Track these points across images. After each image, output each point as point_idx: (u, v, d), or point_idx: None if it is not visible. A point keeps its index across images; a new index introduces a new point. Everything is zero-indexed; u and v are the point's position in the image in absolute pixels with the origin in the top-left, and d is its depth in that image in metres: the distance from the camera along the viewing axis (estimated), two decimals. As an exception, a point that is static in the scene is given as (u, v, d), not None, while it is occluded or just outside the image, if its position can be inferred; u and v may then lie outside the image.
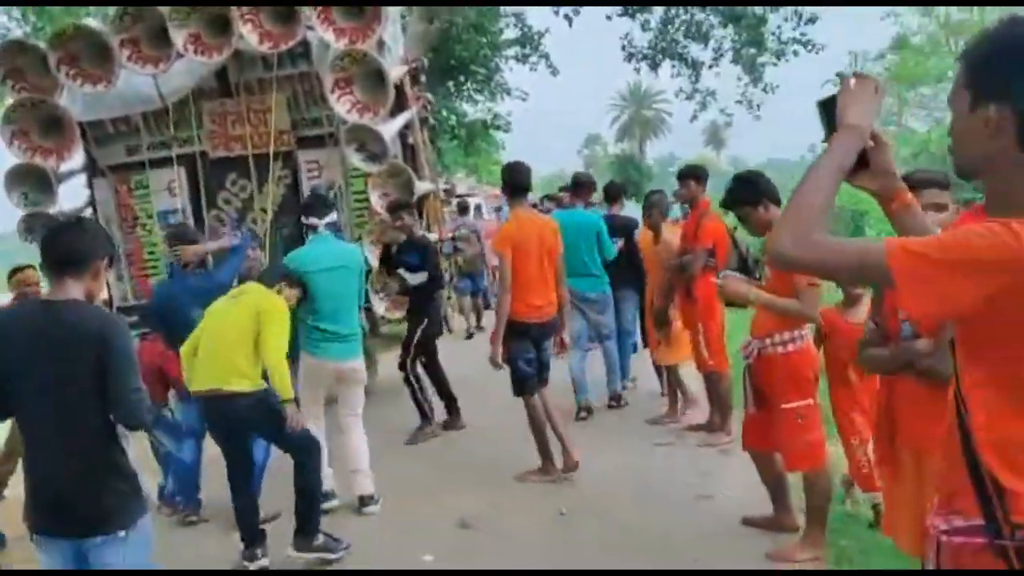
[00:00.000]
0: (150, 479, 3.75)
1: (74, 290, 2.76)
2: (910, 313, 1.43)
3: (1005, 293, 1.37)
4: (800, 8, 16.16)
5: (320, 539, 4.40)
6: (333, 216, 5.39)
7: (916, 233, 1.70)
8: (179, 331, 4.65)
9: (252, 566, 4.35)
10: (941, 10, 24.31)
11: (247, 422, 4.40)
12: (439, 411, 6.81)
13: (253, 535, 4.43)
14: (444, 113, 17.32)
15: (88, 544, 2.76)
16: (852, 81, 1.63)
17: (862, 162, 1.69)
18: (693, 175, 6.20)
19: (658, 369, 7.04)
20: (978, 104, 1.48)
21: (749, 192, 4.06)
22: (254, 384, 4.33)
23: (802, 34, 16.45)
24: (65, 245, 2.80)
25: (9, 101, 7.03)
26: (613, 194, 7.78)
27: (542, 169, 64.49)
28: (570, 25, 16.36)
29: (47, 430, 2.74)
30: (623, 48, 17.63)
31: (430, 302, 6.70)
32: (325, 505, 4.89)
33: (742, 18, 16.38)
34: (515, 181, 5.46)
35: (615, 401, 7.07)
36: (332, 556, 4.39)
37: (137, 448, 3.25)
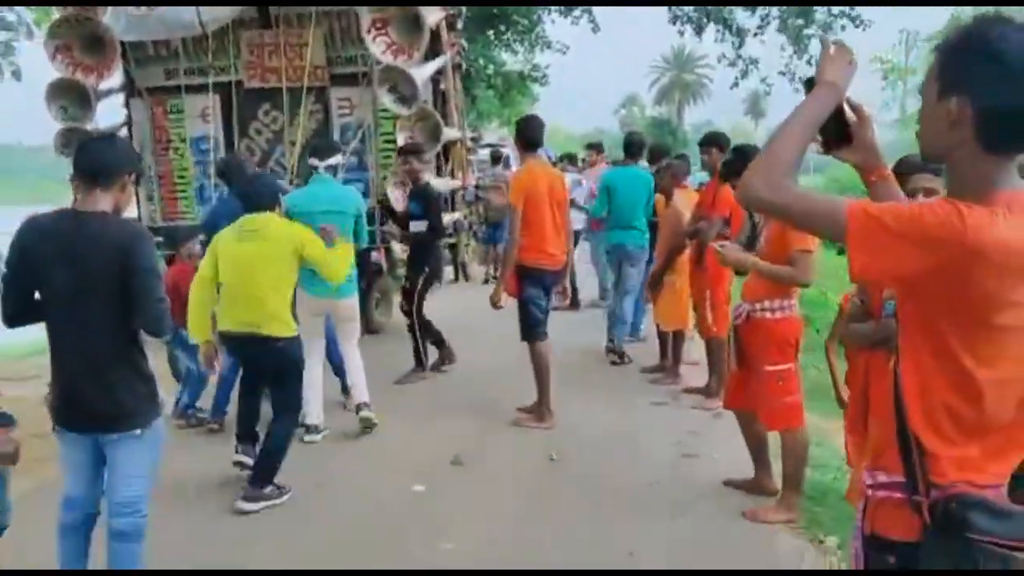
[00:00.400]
0: (166, 392, 3.94)
1: (103, 202, 2.92)
2: (851, 264, 1.55)
3: (944, 268, 1.49)
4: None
5: (268, 488, 4.41)
6: (335, 159, 5.57)
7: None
8: None
9: (235, 458, 4.64)
10: (999, -8, 23.63)
11: (273, 365, 4.44)
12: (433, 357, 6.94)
13: (246, 434, 4.70)
14: (482, 62, 17.25)
15: (105, 439, 2.99)
16: (831, 48, 1.73)
17: (846, 137, 1.82)
18: (716, 143, 6.26)
19: (658, 330, 7.17)
20: (943, 96, 1.58)
21: (746, 163, 4.17)
22: (290, 329, 4.37)
23: (851, 8, 16.19)
24: (95, 158, 2.95)
25: (54, 16, 7.18)
26: (657, 154, 8.09)
27: (577, 126, 64.10)
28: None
29: (72, 332, 2.92)
30: (669, 9, 17.45)
31: (431, 251, 6.72)
32: (312, 437, 5.27)
33: (791, -14, 16.15)
34: (528, 135, 5.66)
35: (618, 356, 7.29)
36: (279, 502, 4.39)
37: (156, 360, 3.45)
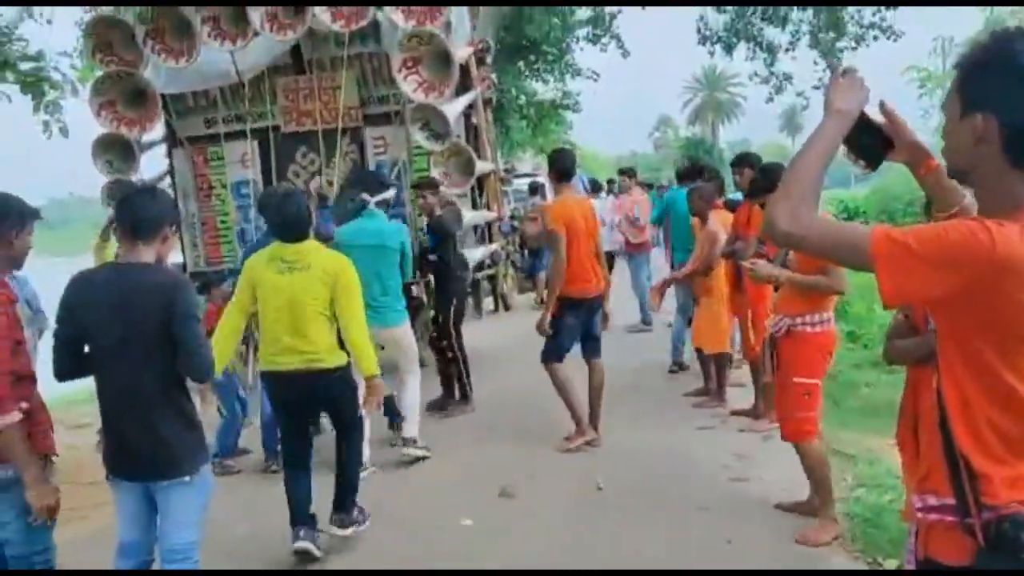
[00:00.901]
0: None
1: (145, 254, 3.01)
2: (882, 292, 1.53)
3: (974, 285, 1.47)
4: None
5: (354, 513, 4.44)
6: (387, 194, 5.72)
7: (946, 195, 1.87)
8: None
9: (298, 546, 4.15)
10: (1036, -4, 23.23)
11: (328, 398, 4.27)
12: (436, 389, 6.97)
13: (304, 516, 4.24)
14: (513, 92, 17.41)
15: (155, 487, 3.05)
16: (840, 76, 1.73)
17: (887, 146, 1.85)
18: (747, 163, 6.23)
19: (698, 353, 7.09)
20: (967, 112, 1.57)
21: (771, 181, 4.34)
22: (344, 357, 4.20)
23: (881, 19, 16.04)
24: (136, 212, 3.02)
25: (97, 73, 7.43)
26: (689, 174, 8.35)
27: (611, 150, 64.19)
28: (643, 7, 16.27)
29: (119, 382, 2.99)
30: (698, 31, 17.46)
31: (452, 282, 6.82)
32: (363, 474, 5.10)
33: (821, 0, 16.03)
34: (561, 167, 5.94)
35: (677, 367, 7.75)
36: (363, 528, 4.44)
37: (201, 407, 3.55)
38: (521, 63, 17.81)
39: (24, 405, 2.89)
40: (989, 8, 25.10)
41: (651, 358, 8.23)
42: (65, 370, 3.07)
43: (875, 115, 1.83)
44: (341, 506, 4.40)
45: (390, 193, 5.85)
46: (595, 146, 47.96)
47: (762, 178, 4.45)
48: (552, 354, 5.72)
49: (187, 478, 3.02)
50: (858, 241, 1.55)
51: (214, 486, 3.24)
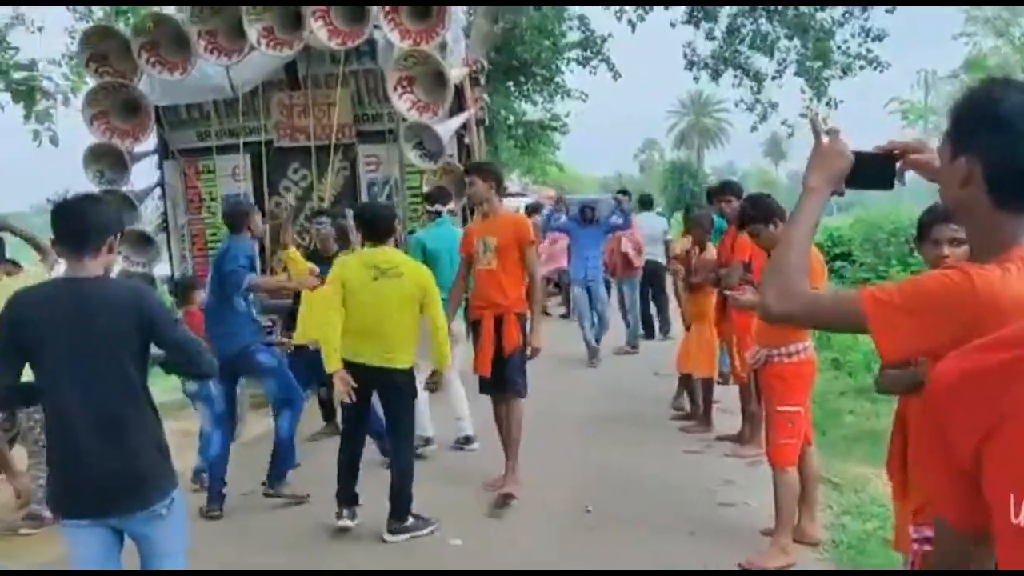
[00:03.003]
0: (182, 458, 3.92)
1: (92, 267, 2.71)
2: (879, 351, 1.58)
3: (963, 332, 1.50)
4: (867, 23, 16.01)
5: (410, 520, 4.63)
6: (452, 204, 6.38)
7: None
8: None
9: (341, 524, 4.63)
10: (1017, 32, 23.72)
11: (396, 394, 4.64)
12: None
13: (349, 494, 4.70)
14: (503, 113, 17.54)
15: (129, 522, 2.73)
16: (825, 140, 1.74)
17: (892, 158, 1.80)
18: (732, 192, 6.36)
19: (682, 378, 7.12)
20: (955, 155, 1.62)
21: (760, 211, 4.42)
22: (413, 359, 4.67)
23: (868, 50, 16.28)
24: (82, 220, 2.73)
25: (90, 82, 7.43)
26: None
27: (596, 171, 64.56)
28: (633, 31, 16.45)
29: (77, 403, 2.66)
30: (685, 56, 17.65)
31: None
32: (424, 450, 5.71)
33: (808, 31, 16.25)
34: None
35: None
36: (422, 533, 4.63)
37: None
38: (511, 83, 17.96)
39: None
40: (971, 43, 25.61)
41: (637, 381, 8.27)
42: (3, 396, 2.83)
43: (865, 145, 1.82)
44: (394, 512, 4.61)
45: (454, 203, 6.49)
46: (580, 166, 48.30)
47: (751, 208, 4.51)
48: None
49: (163, 509, 2.73)
50: (849, 308, 1.61)
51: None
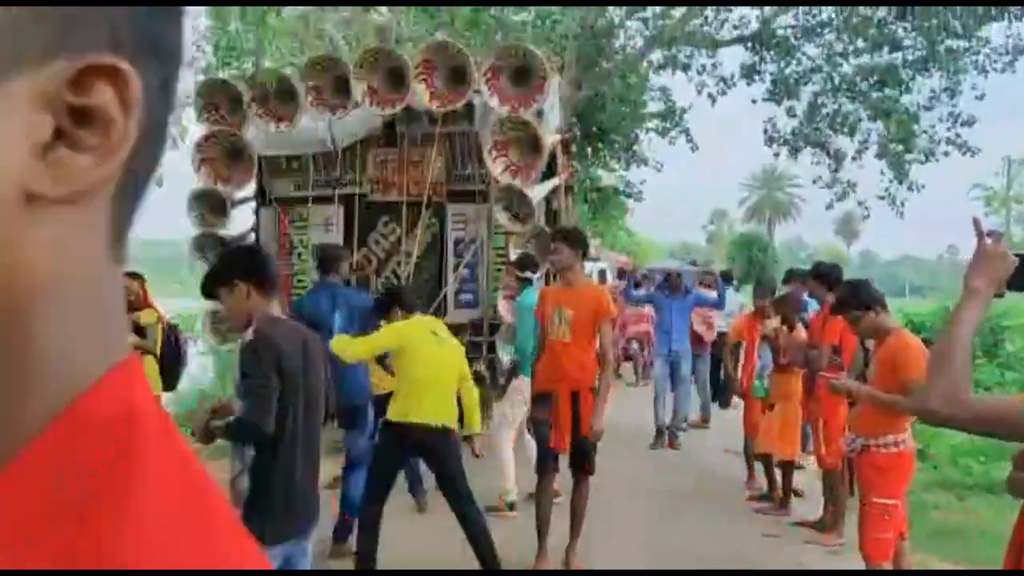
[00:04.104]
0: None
1: (277, 308, 3.16)
2: None
3: None
4: (956, 109, 15.78)
5: None
6: (541, 270, 6.61)
7: None
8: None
9: None
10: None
11: (447, 453, 4.71)
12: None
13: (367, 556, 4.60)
14: (579, 176, 17.74)
15: (301, 545, 3.11)
16: (988, 244, 1.75)
17: None
18: (832, 277, 6.25)
19: (760, 458, 6.96)
20: None
21: (859, 298, 4.35)
22: (455, 420, 4.82)
23: (957, 135, 16.02)
24: (273, 267, 3.25)
25: (195, 128, 7.81)
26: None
27: (663, 238, 64.46)
28: (713, 104, 16.58)
29: (304, 438, 3.06)
30: (765, 132, 17.64)
31: None
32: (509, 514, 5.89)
33: (892, 113, 16.06)
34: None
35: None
36: None
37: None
38: (588, 149, 18.19)
39: None
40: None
41: (712, 459, 8.13)
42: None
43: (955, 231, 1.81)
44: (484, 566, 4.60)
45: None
46: (646, 233, 48.28)
47: (852, 294, 4.45)
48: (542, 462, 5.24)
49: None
50: (1013, 415, 1.58)
51: None
